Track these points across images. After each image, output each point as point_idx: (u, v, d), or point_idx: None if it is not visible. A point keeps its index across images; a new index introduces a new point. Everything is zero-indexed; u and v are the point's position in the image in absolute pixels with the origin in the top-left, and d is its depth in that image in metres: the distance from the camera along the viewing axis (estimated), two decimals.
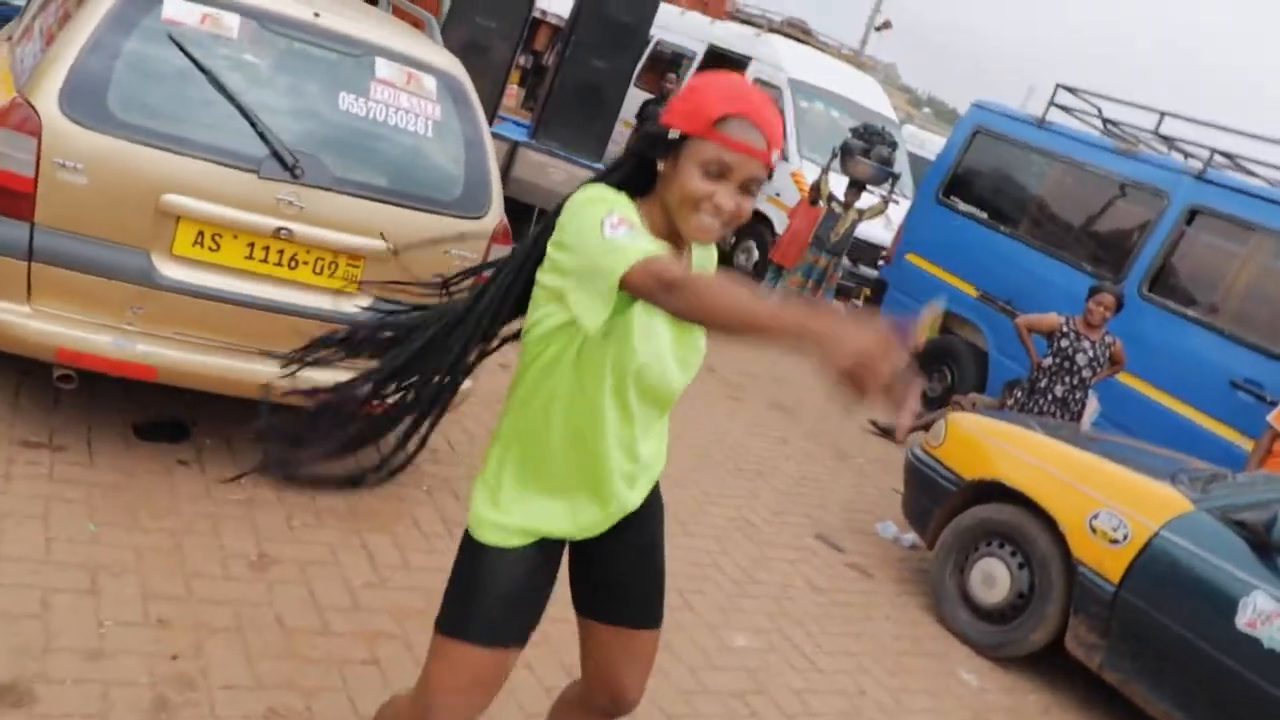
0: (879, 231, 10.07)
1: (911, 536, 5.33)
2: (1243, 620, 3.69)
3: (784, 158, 11.15)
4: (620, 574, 2.05)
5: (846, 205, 9.91)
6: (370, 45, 3.56)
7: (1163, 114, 7.41)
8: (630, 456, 1.89)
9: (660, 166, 1.78)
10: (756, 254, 11.14)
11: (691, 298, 1.51)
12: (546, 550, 1.93)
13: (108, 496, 3.21)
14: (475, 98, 3.80)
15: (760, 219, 11.15)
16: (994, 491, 4.59)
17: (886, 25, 24.24)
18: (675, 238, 1.83)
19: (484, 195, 3.70)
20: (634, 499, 1.95)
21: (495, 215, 3.72)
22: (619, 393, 1.80)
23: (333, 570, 3.27)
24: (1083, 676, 4.37)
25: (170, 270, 3.23)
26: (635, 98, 11.06)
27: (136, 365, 3.23)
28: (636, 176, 1.83)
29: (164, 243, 3.20)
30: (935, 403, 7.78)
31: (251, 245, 3.29)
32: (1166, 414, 6.35)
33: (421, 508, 3.88)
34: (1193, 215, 6.75)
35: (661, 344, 1.81)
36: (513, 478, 1.88)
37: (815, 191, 10.26)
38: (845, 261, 9.59)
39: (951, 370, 7.96)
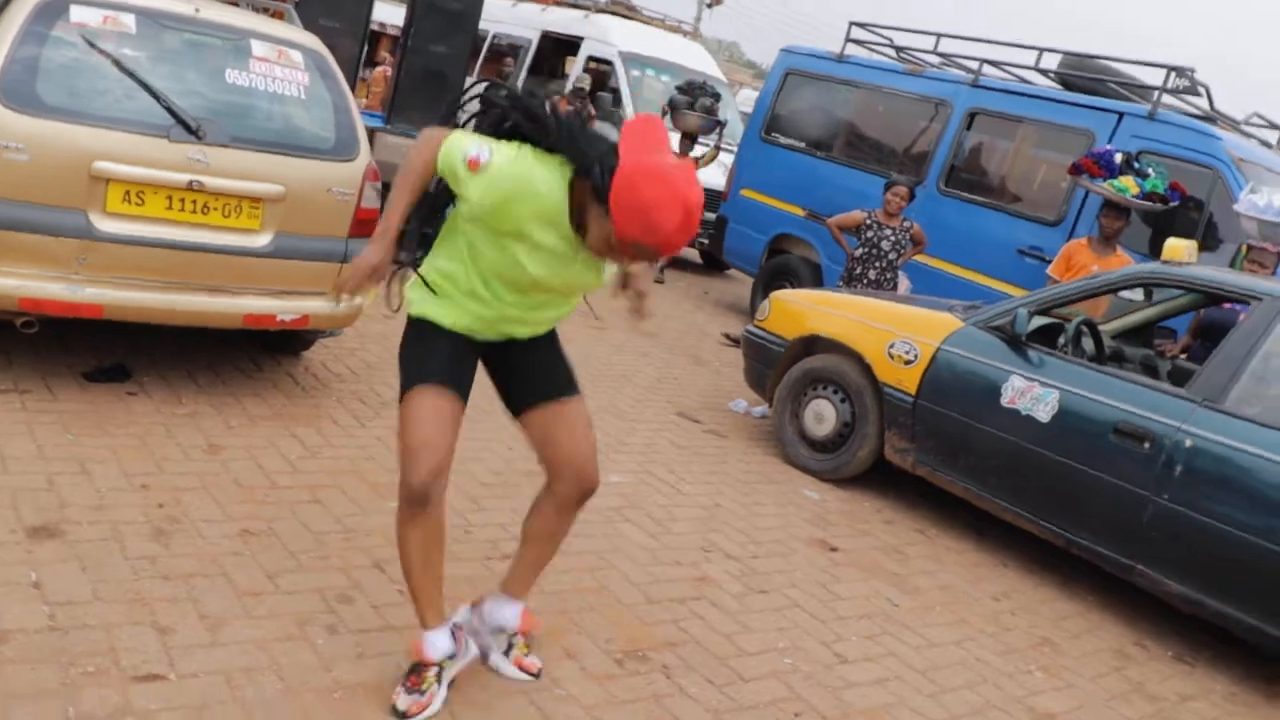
0: (715, 177, 10.68)
1: (761, 409, 6.25)
2: (1005, 399, 4.72)
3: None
4: (525, 365, 2.73)
5: (681, 157, 10.83)
6: (245, 30, 4.31)
7: (939, 35, 8.54)
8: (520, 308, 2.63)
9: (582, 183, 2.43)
10: None
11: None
12: (463, 342, 2.66)
13: (76, 418, 3.89)
14: (336, 66, 4.56)
15: None
16: (813, 346, 5.56)
17: (718, 1, 25.36)
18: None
19: (353, 142, 4.46)
20: (520, 333, 2.70)
21: (365, 157, 4.48)
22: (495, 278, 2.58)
23: (272, 451, 4.01)
24: (909, 483, 5.36)
25: (106, 225, 3.90)
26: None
27: (86, 305, 3.90)
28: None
29: (98, 202, 3.88)
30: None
31: (170, 197, 3.99)
32: (968, 285, 7.44)
33: (336, 409, 4.63)
34: (972, 118, 7.88)
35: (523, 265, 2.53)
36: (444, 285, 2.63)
37: None
38: None
39: (793, 284, 8.94)
